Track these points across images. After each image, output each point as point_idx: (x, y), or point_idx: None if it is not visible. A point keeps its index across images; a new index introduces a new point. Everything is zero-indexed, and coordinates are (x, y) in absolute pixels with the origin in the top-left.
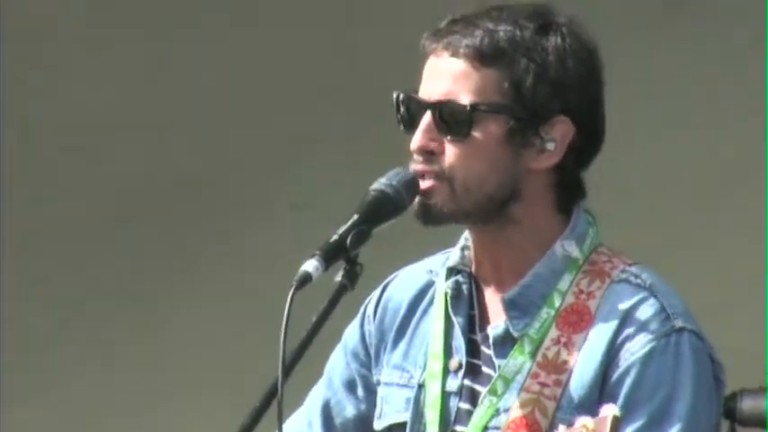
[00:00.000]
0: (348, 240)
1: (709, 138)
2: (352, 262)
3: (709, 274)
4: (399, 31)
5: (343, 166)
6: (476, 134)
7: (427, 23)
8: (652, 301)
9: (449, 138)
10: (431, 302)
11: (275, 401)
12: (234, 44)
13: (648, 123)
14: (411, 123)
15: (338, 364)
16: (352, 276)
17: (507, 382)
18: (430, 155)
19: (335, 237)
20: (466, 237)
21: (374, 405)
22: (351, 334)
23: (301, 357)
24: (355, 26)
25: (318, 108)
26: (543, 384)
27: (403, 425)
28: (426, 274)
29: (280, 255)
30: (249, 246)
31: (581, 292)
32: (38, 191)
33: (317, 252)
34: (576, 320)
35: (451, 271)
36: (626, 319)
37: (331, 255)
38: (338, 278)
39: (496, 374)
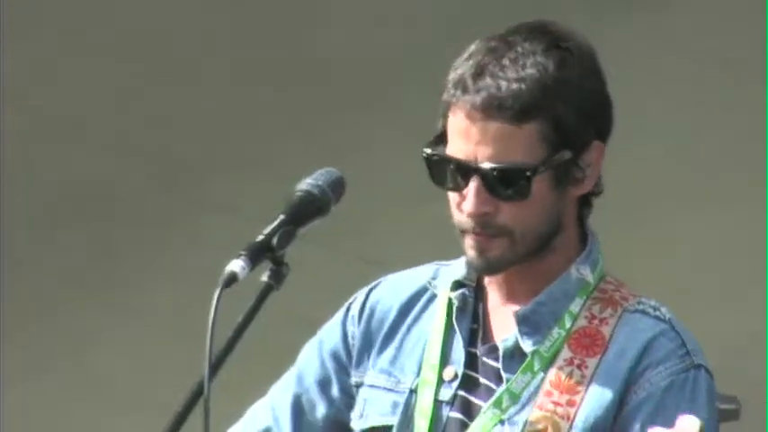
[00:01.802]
0: (274, 240)
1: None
2: (278, 262)
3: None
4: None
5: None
6: (534, 192)
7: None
8: (673, 335)
9: (506, 200)
10: (423, 310)
11: (201, 401)
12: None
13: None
14: (451, 183)
15: (311, 362)
16: (278, 277)
17: (514, 397)
18: (485, 216)
19: (261, 237)
20: None
21: (348, 407)
22: (330, 334)
23: (228, 356)
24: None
25: (243, 113)
26: (556, 404)
27: (388, 428)
28: (422, 280)
29: (208, 265)
30: (177, 257)
31: (593, 317)
32: None
33: (243, 252)
34: (589, 344)
35: (458, 284)
36: (647, 348)
37: (257, 255)
38: (264, 278)
39: (504, 387)
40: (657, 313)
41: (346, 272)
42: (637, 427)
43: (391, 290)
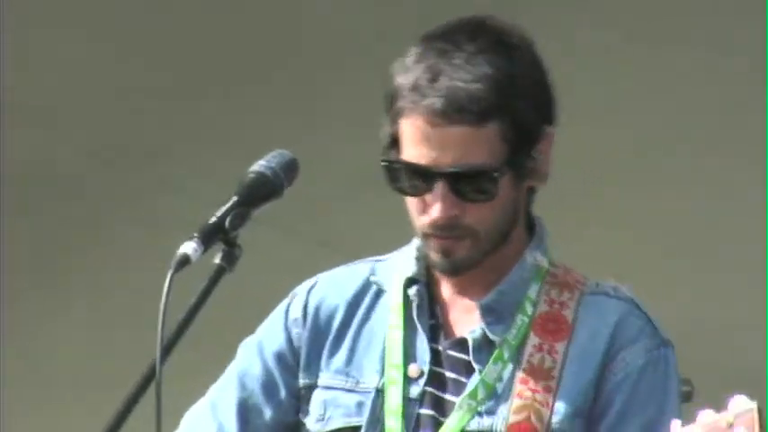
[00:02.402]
0: (227, 222)
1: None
2: (230, 244)
3: None
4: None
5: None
6: (496, 191)
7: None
8: (639, 313)
9: (473, 201)
10: (371, 307)
11: (153, 383)
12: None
13: None
14: (412, 189)
15: (252, 366)
16: (230, 258)
17: (488, 388)
18: (452, 219)
19: (214, 218)
20: (419, 246)
21: (295, 409)
22: (271, 337)
23: (180, 339)
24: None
25: (190, 96)
26: (534, 390)
27: (355, 429)
28: (363, 276)
29: (159, 249)
30: (125, 243)
31: (553, 301)
32: None
33: (196, 234)
34: (555, 329)
35: (410, 281)
36: (618, 329)
37: (209, 236)
38: (217, 260)
39: (478, 379)
40: (619, 294)
41: (299, 254)
42: (617, 406)
43: (333, 288)
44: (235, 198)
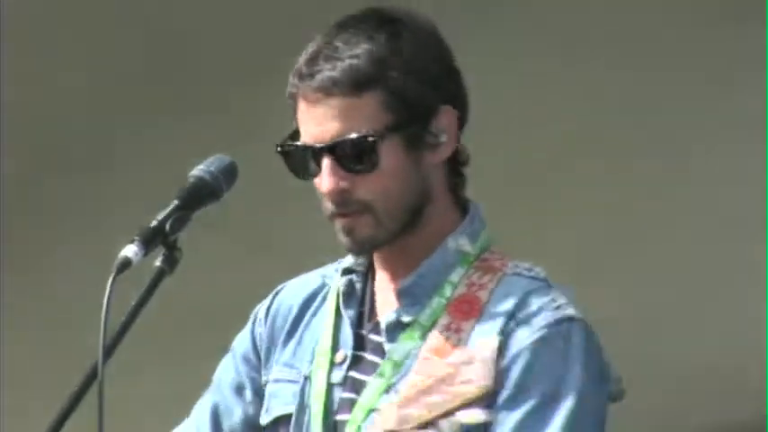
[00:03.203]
0: (167, 225)
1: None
2: (171, 247)
3: None
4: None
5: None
6: (380, 160)
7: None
8: (545, 291)
9: (358, 172)
10: (321, 304)
11: (95, 384)
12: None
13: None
14: (308, 171)
15: (227, 371)
16: (171, 261)
17: (396, 365)
18: (343, 193)
19: (155, 222)
20: None
21: (262, 407)
22: (241, 340)
23: (122, 339)
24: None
25: (140, 98)
26: (435, 367)
27: (289, 416)
28: (319, 278)
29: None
30: (74, 244)
31: (473, 284)
32: None
33: (136, 237)
34: (467, 309)
35: (346, 271)
36: (519, 305)
37: (150, 239)
38: (157, 263)
39: (385, 359)
40: (532, 273)
41: (238, 258)
42: (512, 380)
43: (293, 290)
44: (175, 202)
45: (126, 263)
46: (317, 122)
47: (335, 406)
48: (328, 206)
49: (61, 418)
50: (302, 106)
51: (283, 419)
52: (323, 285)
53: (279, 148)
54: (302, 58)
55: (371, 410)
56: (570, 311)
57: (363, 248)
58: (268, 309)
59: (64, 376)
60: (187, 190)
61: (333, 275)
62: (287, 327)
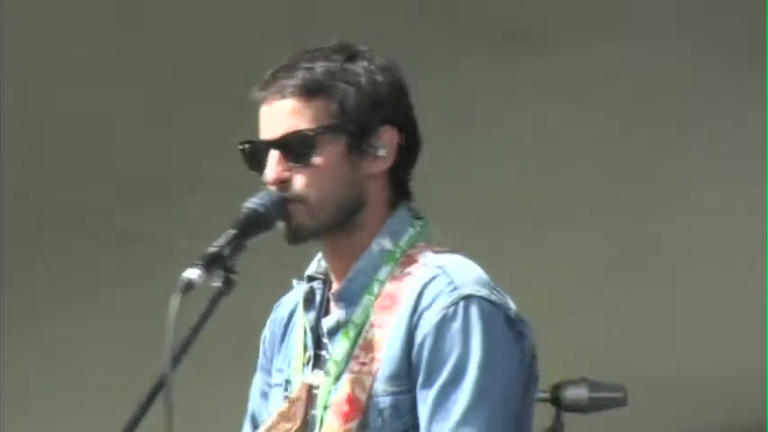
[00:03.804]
0: (225, 251)
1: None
2: (229, 270)
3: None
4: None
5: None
6: (319, 156)
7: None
8: (443, 277)
9: (297, 165)
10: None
11: (161, 395)
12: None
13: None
14: (259, 163)
15: (256, 380)
16: (228, 283)
17: (338, 365)
18: (282, 183)
19: (215, 248)
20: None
21: None
22: (260, 353)
23: (185, 353)
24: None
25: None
26: (363, 363)
27: None
28: (297, 287)
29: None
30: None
31: (395, 278)
32: None
33: (199, 262)
34: (389, 304)
35: (309, 278)
36: (420, 294)
37: (210, 264)
38: (217, 284)
39: (329, 359)
40: (435, 263)
41: (285, 281)
42: (424, 363)
43: (286, 302)
44: (232, 230)
45: (189, 284)
46: (270, 121)
47: (311, 401)
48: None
49: (130, 426)
50: (262, 109)
51: None
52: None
53: (240, 146)
54: (264, 77)
55: (326, 408)
56: (466, 290)
57: (297, 235)
58: (270, 323)
59: (131, 389)
60: (242, 220)
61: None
62: (279, 337)
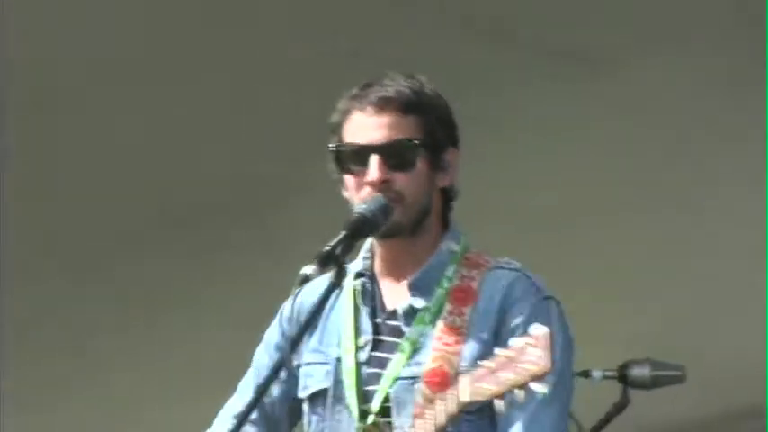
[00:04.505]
0: (338, 250)
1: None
2: (340, 266)
3: None
4: None
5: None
6: (416, 164)
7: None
8: (524, 278)
9: (397, 169)
10: (335, 301)
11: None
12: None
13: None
14: (353, 166)
15: (263, 358)
16: (340, 276)
17: (413, 343)
18: (385, 184)
19: (328, 248)
20: (367, 249)
21: (294, 384)
22: (272, 333)
23: (304, 335)
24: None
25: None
26: (447, 344)
27: (324, 390)
28: (327, 281)
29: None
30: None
31: (464, 276)
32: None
33: (315, 259)
34: (463, 297)
35: (358, 275)
36: (507, 292)
37: (325, 261)
38: (331, 278)
39: (404, 338)
40: (511, 266)
41: None
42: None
43: (310, 291)
44: (343, 232)
45: (306, 278)
46: (370, 130)
47: (363, 379)
48: (363, 198)
49: (251, 405)
50: (355, 118)
51: (320, 393)
52: (335, 285)
53: (332, 148)
54: (352, 92)
55: (396, 379)
56: (546, 293)
57: (393, 231)
58: (292, 307)
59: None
60: (352, 223)
61: (345, 277)
62: (308, 320)
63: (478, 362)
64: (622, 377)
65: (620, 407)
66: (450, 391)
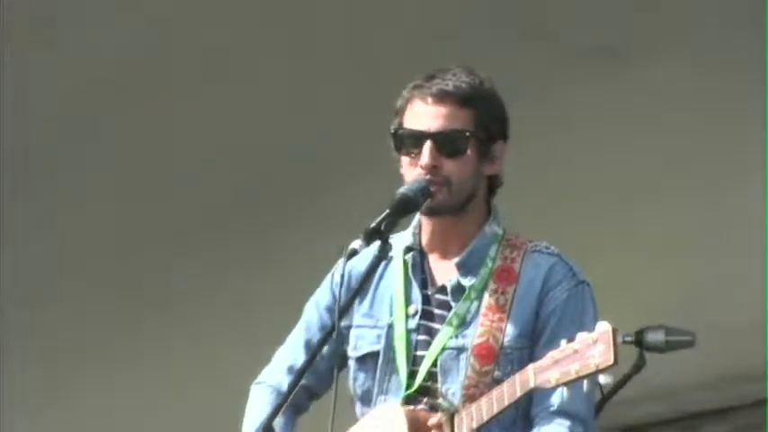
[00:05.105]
0: (382, 227)
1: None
2: (384, 241)
3: None
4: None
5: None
6: (466, 153)
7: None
8: (563, 263)
9: (448, 156)
10: (384, 270)
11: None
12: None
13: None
14: (410, 148)
15: (313, 316)
16: (384, 251)
17: (460, 318)
18: (434, 168)
19: (374, 225)
20: (415, 225)
21: (342, 343)
22: (322, 295)
23: (353, 302)
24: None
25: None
26: (492, 321)
27: (376, 353)
28: (374, 252)
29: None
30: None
31: (506, 258)
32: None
33: (361, 235)
34: (507, 277)
35: (408, 249)
36: (547, 275)
37: (370, 237)
38: (375, 252)
39: (453, 311)
40: (549, 250)
41: None
42: (550, 327)
43: (359, 261)
44: (387, 210)
45: (353, 252)
46: (427, 117)
47: (414, 345)
48: (415, 176)
49: (303, 369)
50: (415, 106)
51: (371, 355)
52: (380, 257)
53: (392, 130)
54: (418, 80)
55: (444, 348)
56: (582, 277)
57: (437, 209)
58: (343, 273)
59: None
60: (395, 202)
61: (393, 248)
62: (358, 287)
63: (550, 354)
64: (638, 342)
65: (637, 367)
66: (517, 377)
